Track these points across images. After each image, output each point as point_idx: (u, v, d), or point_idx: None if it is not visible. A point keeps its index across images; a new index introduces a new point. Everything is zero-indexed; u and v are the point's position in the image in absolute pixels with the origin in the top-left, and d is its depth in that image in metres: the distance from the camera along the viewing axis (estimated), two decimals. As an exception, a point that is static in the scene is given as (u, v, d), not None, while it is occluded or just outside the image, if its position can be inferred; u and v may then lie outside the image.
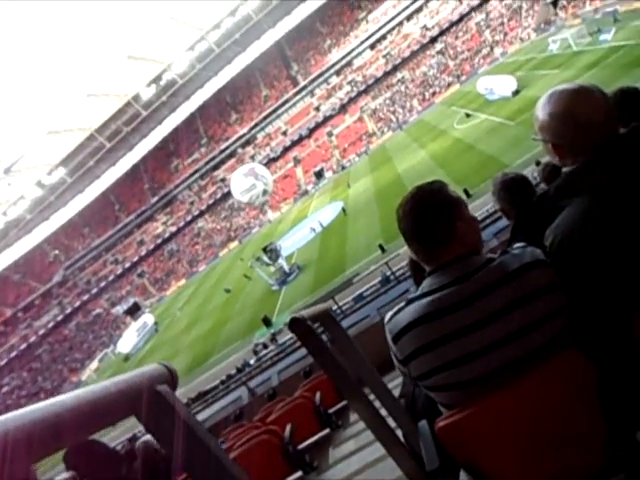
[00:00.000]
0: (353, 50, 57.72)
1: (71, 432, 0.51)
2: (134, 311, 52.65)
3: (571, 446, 1.06)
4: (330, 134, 56.44)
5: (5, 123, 68.95)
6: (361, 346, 1.79)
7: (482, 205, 14.46)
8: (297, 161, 57.28)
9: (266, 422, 4.30)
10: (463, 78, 48.45)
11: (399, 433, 1.59)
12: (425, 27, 54.81)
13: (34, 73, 74.69)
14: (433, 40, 54.19)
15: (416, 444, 1.37)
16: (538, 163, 11.50)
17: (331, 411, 4.60)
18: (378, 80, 56.13)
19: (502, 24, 49.33)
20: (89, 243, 63.48)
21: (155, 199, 62.55)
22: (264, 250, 26.46)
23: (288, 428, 3.64)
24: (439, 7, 54.64)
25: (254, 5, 55.44)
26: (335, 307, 11.23)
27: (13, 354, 53.26)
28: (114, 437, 15.47)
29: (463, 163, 23.05)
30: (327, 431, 4.23)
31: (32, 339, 54.73)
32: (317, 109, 58.82)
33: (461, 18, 53.25)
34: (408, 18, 56.08)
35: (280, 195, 54.53)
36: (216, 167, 61.83)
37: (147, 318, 45.70)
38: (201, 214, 60.98)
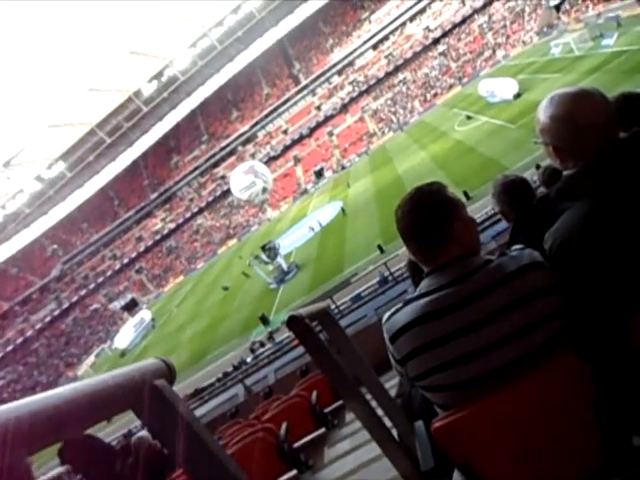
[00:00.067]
0: (355, 50, 57.70)
1: (68, 424, 0.51)
2: (131, 307, 52.66)
3: (567, 449, 1.06)
4: (331, 134, 56.45)
5: (6, 116, 68.76)
6: (358, 346, 1.80)
7: (481, 207, 14.51)
8: (297, 160, 57.26)
9: (262, 420, 4.30)
10: (465, 80, 48.49)
11: (395, 433, 1.59)
12: (428, 28, 54.82)
13: (36, 67, 74.50)
14: (435, 42, 54.22)
15: (412, 444, 1.37)
16: (538, 166, 11.53)
17: (327, 410, 4.61)
18: (380, 80, 56.12)
19: (505, 27, 49.38)
20: (87, 238, 63.39)
21: (154, 195, 62.49)
22: (263, 248, 26.45)
23: (284, 426, 3.64)
24: (442, 9, 54.65)
25: (257, 3, 55.40)
26: (333, 307, 11.24)
27: (9, 348, 53.21)
28: (109, 433, 15.47)
29: (463, 165, 23.07)
30: (323, 430, 4.23)
31: (29, 333, 54.68)
32: (318, 108, 58.80)
33: (464, 20, 53.27)
34: (411, 19, 56.11)
35: (280, 194, 54.52)
36: (216, 164, 61.80)
37: (144, 314, 45.73)
38: (200, 211, 60.94)
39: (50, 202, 63.02)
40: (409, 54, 54.86)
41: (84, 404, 0.53)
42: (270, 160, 57.21)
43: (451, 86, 49.44)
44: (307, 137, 58.34)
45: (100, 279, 59.84)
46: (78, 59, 70.54)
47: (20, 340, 53.93)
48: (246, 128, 60.68)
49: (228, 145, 61.04)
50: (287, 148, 58.86)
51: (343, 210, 31.54)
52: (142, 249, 61.11)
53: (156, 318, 44.21)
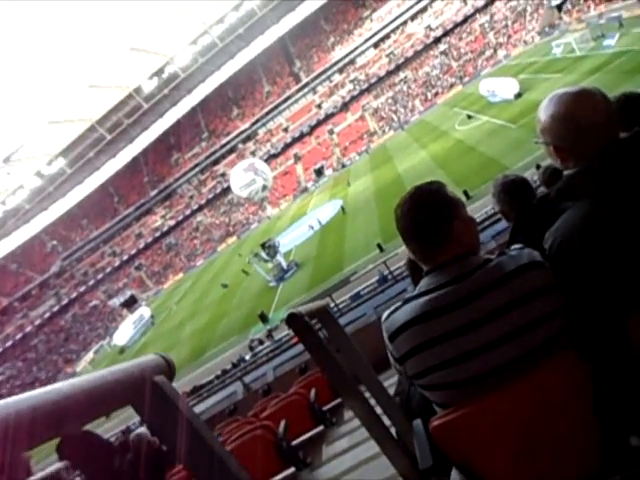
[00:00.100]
0: (356, 48, 57.60)
1: (67, 420, 0.50)
2: (131, 304, 52.67)
3: (565, 448, 1.06)
4: (331, 132, 56.39)
5: (6, 112, 68.68)
6: (357, 344, 1.80)
7: (481, 207, 14.52)
8: (297, 158, 57.22)
9: (260, 417, 4.31)
10: (466, 79, 48.44)
11: (393, 431, 1.60)
12: (429, 27, 54.72)
13: (36, 63, 74.38)
14: (437, 41, 54.13)
15: (410, 442, 1.37)
16: (538, 166, 11.53)
17: (325, 408, 4.61)
18: (381, 79, 56.05)
19: (506, 26, 49.29)
20: (87, 234, 63.38)
21: (154, 192, 62.45)
22: (262, 246, 26.46)
23: (282, 424, 3.65)
24: (443, 8, 54.55)
25: (258, 1, 55.28)
26: (332, 305, 11.24)
27: (8, 343, 53.24)
28: (108, 429, 15.50)
29: (464, 164, 23.06)
30: (321, 428, 4.24)
31: (28, 329, 54.70)
32: (319, 106, 58.72)
33: (465, 19, 53.19)
34: (412, 18, 55.99)
35: (280, 192, 54.51)
36: (216, 162, 61.74)
37: (144, 311, 45.72)
38: (200, 208, 60.91)
39: (50, 198, 62.95)
40: (410, 53, 54.77)
41: (83, 400, 0.53)
42: (270, 158, 57.13)
43: (452, 85, 49.38)
44: (307, 135, 58.28)
45: (99, 275, 59.82)
46: (79, 55, 70.52)
47: (19, 336, 53.96)
48: (246, 126, 60.61)
49: (228, 142, 60.98)
50: (287, 146, 58.81)
51: (343, 209, 31.54)
52: (142, 246, 61.10)
53: (155, 315, 44.22)
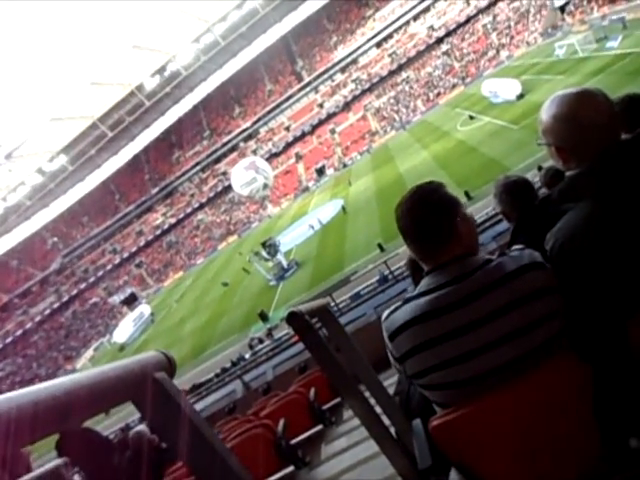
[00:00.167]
0: (359, 48, 57.54)
1: (68, 415, 0.50)
2: (131, 301, 52.74)
3: (565, 449, 1.06)
4: (333, 131, 56.35)
5: (8, 108, 68.72)
6: (357, 344, 1.80)
7: (483, 208, 14.48)
8: (299, 157, 57.20)
9: (259, 416, 4.30)
10: (468, 80, 48.38)
11: (393, 431, 1.60)
12: (432, 27, 54.65)
13: (39, 60, 74.43)
14: (439, 41, 54.07)
15: (409, 442, 1.37)
16: (540, 168, 11.49)
17: (325, 407, 4.61)
18: (383, 79, 56.00)
19: (509, 27, 49.22)
20: (88, 232, 63.41)
21: (155, 190, 62.47)
22: (263, 245, 26.45)
23: (281, 423, 3.65)
24: (446, 8, 54.46)
25: (261, -1, 55.31)
26: (332, 304, 11.24)
27: (9, 340, 53.32)
28: (107, 426, 15.51)
29: (465, 165, 23.03)
30: (320, 427, 4.24)
31: (28, 325, 54.76)
32: (321, 106, 58.68)
33: (468, 20, 53.11)
34: (415, 18, 55.92)
35: (281, 191, 54.50)
36: (218, 160, 61.73)
37: (144, 309, 45.75)
38: (201, 207, 60.91)
39: (51, 195, 63.02)
40: (413, 53, 54.72)
41: (84, 395, 0.52)
42: (272, 157, 57.14)
43: (454, 86, 49.32)
44: (309, 134, 58.26)
45: (100, 273, 59.87)
46: (81, 53, 70.57)
47: (19, 332, 54.03)
48: (248, 124, 60.60)
49: (230, 141, 60.98)
50: (289, 145, 58.79)
51: (344, 208, 31.52)
52: (142, 244, 61.11)
53: (155, 313, 44.26)
